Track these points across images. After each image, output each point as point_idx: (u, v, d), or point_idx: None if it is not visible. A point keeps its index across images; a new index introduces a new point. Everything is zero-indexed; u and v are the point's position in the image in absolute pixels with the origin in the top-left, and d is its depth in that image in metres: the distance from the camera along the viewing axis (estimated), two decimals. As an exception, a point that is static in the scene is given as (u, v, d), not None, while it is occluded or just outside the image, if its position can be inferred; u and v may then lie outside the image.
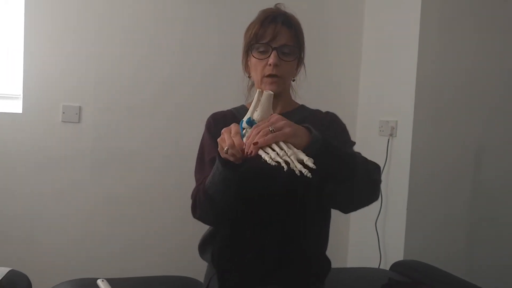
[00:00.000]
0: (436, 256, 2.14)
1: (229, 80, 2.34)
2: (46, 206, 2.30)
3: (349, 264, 2.69)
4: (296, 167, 0.93)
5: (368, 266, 2.25)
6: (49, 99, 2.28)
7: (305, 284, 1.29)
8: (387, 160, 2.40)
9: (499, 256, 2.42)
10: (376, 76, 2.59)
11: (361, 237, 2.63)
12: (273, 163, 0.95)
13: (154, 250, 2.43)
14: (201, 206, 1.19)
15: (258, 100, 1.08)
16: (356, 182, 1.11)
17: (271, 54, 1.25)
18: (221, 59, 2.43)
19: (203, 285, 1.42)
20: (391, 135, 2.39)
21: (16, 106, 2.28)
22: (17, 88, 2.28)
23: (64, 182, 2.32)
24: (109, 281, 1.41)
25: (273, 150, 0.97)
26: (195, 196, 1.22)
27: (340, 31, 2.68)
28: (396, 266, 1.95)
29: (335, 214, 1.32)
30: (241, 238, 1.27)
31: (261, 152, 0.98)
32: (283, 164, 0.94)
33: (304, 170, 0.92)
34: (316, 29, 2.54)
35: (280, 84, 1.28)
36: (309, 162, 0.94)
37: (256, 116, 1.06)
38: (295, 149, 0.98)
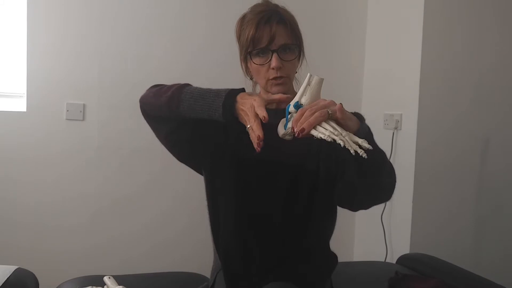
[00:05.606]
0: (442, 249, 2.13)
1: (235, 76, 2.33)
2: (51, 204, 2.31)
3: (356, 258, 2.69)
4: (351, 147, 0.95)
5: (374, 260, 2.25)
6: (53, 97, 2.28)
7: (312, 278, 1.29)
8: (392, 154, 2.39)
9: (505, 248, 2.41)
10: (380, 69, 2.58)
11: (367, 231, 2.62)
12: (329, 139, 0.96)
13: (160, 247, 2.43)
14: (160, 100, 1.32)
15: (308, 84, 1.08)
16: (380, 179, 1.11)
17: (271, 57, 1.20)
18: (227, 55, 2.40)
19: (209, 281, 1.42)
20: (396, 128, 2.38)
21: (20, 105, 2.29)
22: (21, 86, 2.28)
23: (69, 180, 2.32)
24: (116, 278, 1.41)
25: (326, 129, 0.98)
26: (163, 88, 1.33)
27: (343, 24, 2.67)
28: (402, 259, 1.95)
29: (340, 207, 1.31)
30: (246, 234, 1.27)
31: (313, 131, 0.98)
32: (339, 141, 0.96)
33: (360, 151, 0.95)
34: (319, 22, 2.54)
35: (287, 82, 1.25)
36: (364, 143, 0.96)
37: (304, 100, 1.06)
38: (347, 131, 0.99)
